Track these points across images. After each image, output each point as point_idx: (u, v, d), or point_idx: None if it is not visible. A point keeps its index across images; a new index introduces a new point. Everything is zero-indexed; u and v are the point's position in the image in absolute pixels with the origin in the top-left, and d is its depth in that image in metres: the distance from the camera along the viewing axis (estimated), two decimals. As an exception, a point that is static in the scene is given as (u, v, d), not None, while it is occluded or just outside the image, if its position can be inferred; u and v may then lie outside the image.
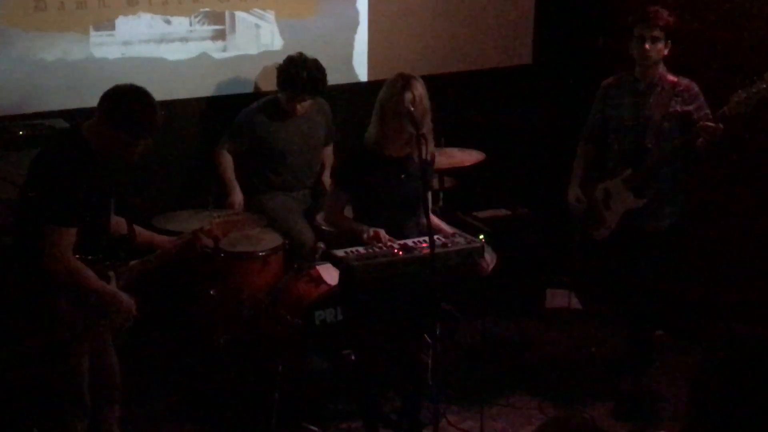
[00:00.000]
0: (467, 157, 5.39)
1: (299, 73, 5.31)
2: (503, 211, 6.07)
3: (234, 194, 5.44)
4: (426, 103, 4.22)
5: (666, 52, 4.78)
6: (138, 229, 4.15)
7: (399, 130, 4.21)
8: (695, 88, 4.82)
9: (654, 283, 4.99)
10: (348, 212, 4.51)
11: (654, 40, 4.72)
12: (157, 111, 3.91)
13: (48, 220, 3.78)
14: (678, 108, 4.79)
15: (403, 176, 4.25)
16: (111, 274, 3.96)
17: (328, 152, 5.75)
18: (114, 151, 3.90)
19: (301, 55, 5.39)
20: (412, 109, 4.13)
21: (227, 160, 5.49)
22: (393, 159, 4.28)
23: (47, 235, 3.79)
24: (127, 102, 3.87)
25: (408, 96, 4.15)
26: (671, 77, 4.83)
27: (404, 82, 4.20)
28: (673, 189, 4.93)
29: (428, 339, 4.52)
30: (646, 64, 4.79)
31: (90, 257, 3.91)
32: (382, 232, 4.23)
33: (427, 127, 4.23)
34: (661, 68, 4.82)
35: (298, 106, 5.43)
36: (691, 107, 4.79)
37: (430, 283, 4.14)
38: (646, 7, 4.81)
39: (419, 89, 4.20)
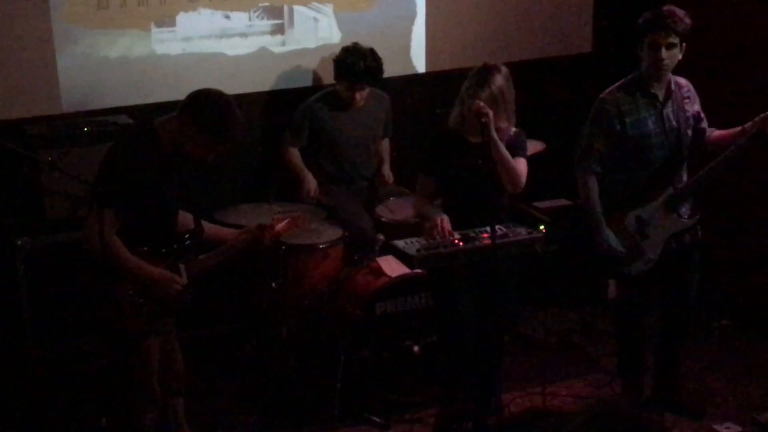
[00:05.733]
0: (528, 147, 5.34)
1: (356, 62, 5.34)
2: (564, 201, 6.02)
3: (307, 181, 5.47)
4: (506, 93, 4.26)
5: (680, 56, 4.36)
6: (204, 223, 4.20)
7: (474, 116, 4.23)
8: (690, 85, 4.53)
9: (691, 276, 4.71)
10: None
11: (669, 47, 4.30)
12: (240, 121, 4.00)
13: (94, 201, 3.84)
14: (692, 110, 4.50)
15: (480, 162, 4.24)
16: (181, 266, 4.03)
17: (385, 146, 5.75)
18: (191, 151, 3.96)
19: (356, 44, 5.43)
20: (483, 95, 4.18)
21: (293, 153, 5.53)
22: (473, 145, 4.29)
23: (90, 216, 3.86)
24: (217, 108, 3.94)
25: (484, 88, 4.20)
26: (674, 78, 4.47)
27: (486, 72, 4.25)
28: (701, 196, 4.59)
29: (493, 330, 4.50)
30: (659, 74, 4.37)
31: (163, 250, 3.99)
32: (444, 221, 4.22)
33: (505, 114, 4.27)
34: None
35: (357, 96, 5.44)
36: (697, 107, 4.53)
37: (487, 274, 4.15)
38: (660, 9, 4.35)
39: (499, 80, 4.24)
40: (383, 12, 5.88)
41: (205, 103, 3.94)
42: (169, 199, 4.03)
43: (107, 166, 3.95)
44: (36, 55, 5.14)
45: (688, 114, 4.51)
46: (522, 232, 4.30)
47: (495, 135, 4.17)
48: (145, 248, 3.93)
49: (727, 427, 4.70)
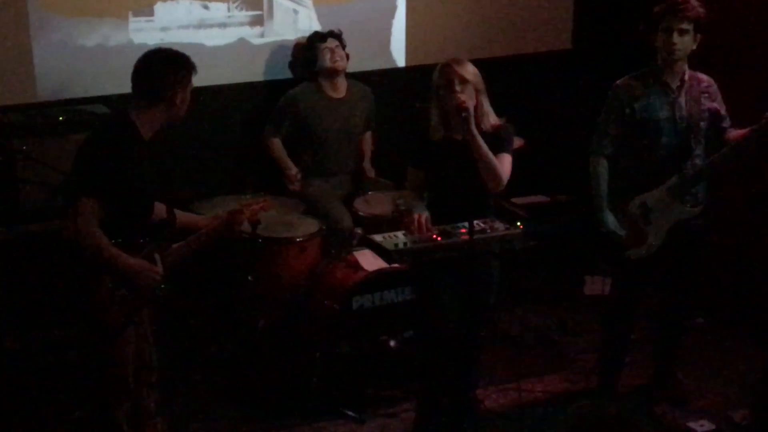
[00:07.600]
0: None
1: (315, 31, 5.53)
2: (542, 198, 6.03)
3: (288, 167, 5.48)
4: (478, 81, 4.22)
5: (694, 46, 4.51)
6: (177, 212, 4.18)
7: (454, 111, 4.20)
8: (714, 84, 4.60)
9: (693, 271, 4.84)
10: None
11: (682, 33, 4.44)
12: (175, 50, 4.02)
13: (75, 191, 3.81)
14: (708, 105, 4.56)
15: (468, 158, 4.21)
16: (156, 256, 4.00)
17: (367, 139, 5.74)
18: (179, 111, 3.94)
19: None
20: (459, 89, 4.15)
21: (276, 145, 5.53)
22: (458, 141, 4.26)
23: (71, 206, 3.82)
24: (157, 59, 3.95)
25: (457, 78, 4.17)
26: (693, 73, 4.57)
27: (453, 64, 4.21)
28: (705, 186, 4.66)
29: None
30: (672, 59, 4.48)
31: (140, 241, 3.96)
32: (422, 218, 4.19)
33: (484, 103, 4.25)
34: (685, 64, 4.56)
35: (337, 56, 5.45)
36: (716, 104, 4.58)
37: (468, 269, 4.13)
38: None
39: (468, 69, 4.21)
40: (363, 5, 5.87)
41: (149, 64, 3.93)
42: (146, 190, 4.00)
43: (87, 156, 3.91)
44: (12, 42, 5.10)
45: (704, 108, 4.56)
46: (500, 227, 4.28)
47: (476, 131, 4.14)
48: (120, 240, 3.89)
49: (702, 425, 4.72)
